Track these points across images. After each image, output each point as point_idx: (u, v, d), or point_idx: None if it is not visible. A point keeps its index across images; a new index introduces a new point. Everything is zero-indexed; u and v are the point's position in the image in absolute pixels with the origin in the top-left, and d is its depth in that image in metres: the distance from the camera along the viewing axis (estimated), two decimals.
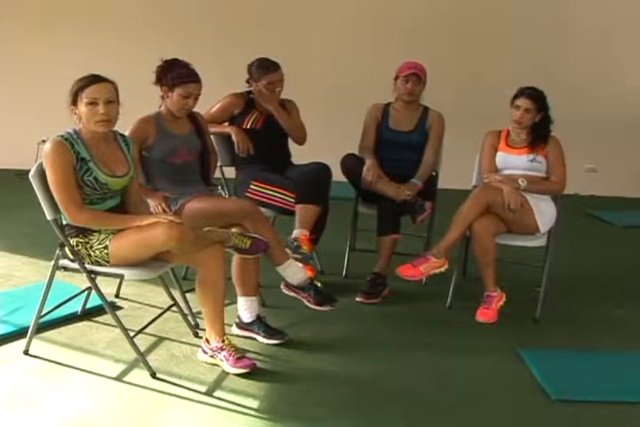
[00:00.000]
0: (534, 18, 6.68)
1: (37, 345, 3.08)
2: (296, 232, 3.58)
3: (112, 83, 2.84)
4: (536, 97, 3.75)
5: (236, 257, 3.23)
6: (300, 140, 4.04)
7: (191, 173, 3.50)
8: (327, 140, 5.44)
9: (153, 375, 2.90)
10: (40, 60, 6.61)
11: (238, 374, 2.92)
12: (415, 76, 3.98)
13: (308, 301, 3.38)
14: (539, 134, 3.79)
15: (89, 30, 6.58)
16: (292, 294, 3.42)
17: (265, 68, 3.85)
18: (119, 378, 2.89)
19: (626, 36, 6.73)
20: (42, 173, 2.82)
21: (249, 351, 3.15)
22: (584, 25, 6.68)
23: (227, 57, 6.22)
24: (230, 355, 2.96)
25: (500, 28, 6.68)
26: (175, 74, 3.32)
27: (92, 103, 2.76)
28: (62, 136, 2.80)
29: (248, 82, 3.95)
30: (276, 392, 2.86)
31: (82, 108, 2.78)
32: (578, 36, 6.70)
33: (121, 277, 2.95)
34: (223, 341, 2.99)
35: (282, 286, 3.45)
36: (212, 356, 3.01)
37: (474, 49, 6.66)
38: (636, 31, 6.70)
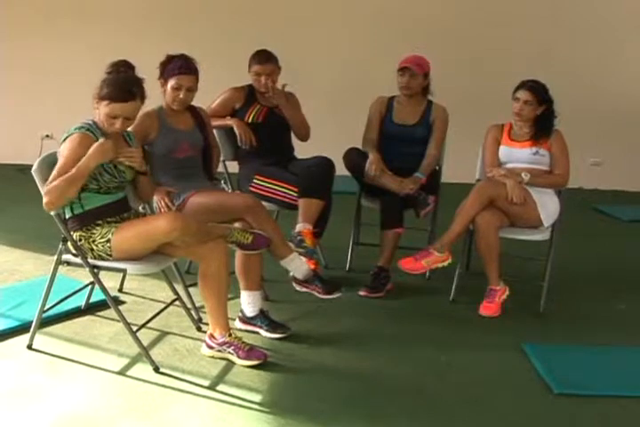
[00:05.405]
0: (538, 10, 6.65)
1: (41, 340, 3.09)
2: (299, 226, 3.57)
3: None
4: (536, 89, 3.73)
5: (239, 251, 3.23)
6: (304, 137, 4.02)
7: (194, 167, 3.49)
8: (330, 134, 5.43)
9: (156, 370, 2.90)
10: (42, 55, 6.59)
11: (244, 367, 2.93)
12: (408, 70, 3.95)
13: (318, 292, 3.38)
14: (541, 127, 3.77)
15: (91, 24, 6.56)
16: (303, 289, 3.43)
17: (256, 58, 3.86)
18: (122, 372, 2.89)
19: (631, 29, 6.70)
20: (44, 168, 2.83)
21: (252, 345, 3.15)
22: (590, 18, 6.64)
23: (230, 51, 6.21)
24: (240, 348, 2.97)
25: (504, 21, 6.65)
26: (170, 66, 3.35)
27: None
28: (83, 128, 2.84)
29: None
30: (278, 386, 2.87)
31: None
32: (583, 29, 6.66)
33: (124, 271, 2.96)
34: (230, 335, 3.00)
35: (293, 284, 3.45)
36: (219, 350, 3.01)
37: (477, 42, 6.63)
38: None
